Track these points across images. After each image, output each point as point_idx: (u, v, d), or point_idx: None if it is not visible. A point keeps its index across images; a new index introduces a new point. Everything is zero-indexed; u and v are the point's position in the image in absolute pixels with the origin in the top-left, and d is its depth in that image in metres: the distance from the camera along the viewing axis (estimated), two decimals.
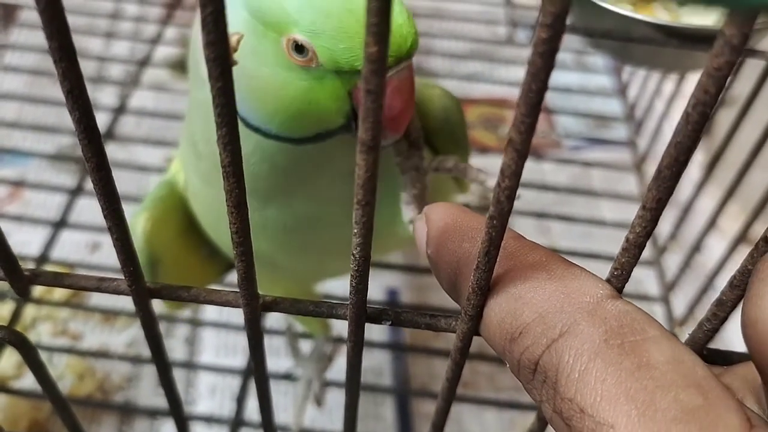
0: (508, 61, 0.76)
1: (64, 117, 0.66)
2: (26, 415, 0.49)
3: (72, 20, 0.13)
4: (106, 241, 0.54)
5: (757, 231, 0.40)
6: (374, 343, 0.53)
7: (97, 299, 0.55)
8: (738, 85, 0.48)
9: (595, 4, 0.44)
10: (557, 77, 0.65)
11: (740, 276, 0.16)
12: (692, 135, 0.13)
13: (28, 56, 0.73)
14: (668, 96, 0.62)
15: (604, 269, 0.17)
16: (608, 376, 0.14)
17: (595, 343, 0.15)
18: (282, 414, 0.49)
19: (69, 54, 0.14)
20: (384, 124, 0.27)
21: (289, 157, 0.29)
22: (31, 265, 0.50)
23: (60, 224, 0.58)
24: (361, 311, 0.18)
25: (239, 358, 0.53)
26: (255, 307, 0.20)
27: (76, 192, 0.61)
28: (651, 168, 0.65)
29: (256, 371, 0.23)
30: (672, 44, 0.42)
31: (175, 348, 0.53)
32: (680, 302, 0.55)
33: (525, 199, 0.61)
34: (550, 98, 0.73)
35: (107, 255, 0.57)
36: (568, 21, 0.12)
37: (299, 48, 0.25)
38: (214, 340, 0.54)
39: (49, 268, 0.55)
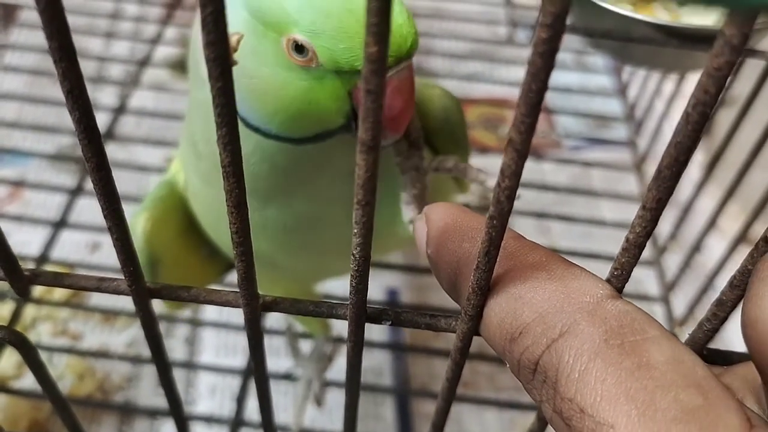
0: (508, 61, 0.76)
1: (64, 117, 0.66)
2: (26, 415, 0.49)
3: (72, 20, 0.13)
4: (106, 241, 0.54)
5: (757, 231, 0.40)
6: (374, 343, 0.53)
7: (97, 299, 0.55)
8: (738, 85, 0.48)
9: (595, 4, 0.44)
10: (557, 77, 0.65)
11: (740, 276, 0.16)
12: (692, 135, 0.13)
13: (28, 56, 0.73)
14: (668, 96, 0.62)
15: (604, 269, 0.17)
16: (608, 376, 0.14)
17: (595, 343, 0.15)
18: (282, 414, 0.49)
19: (69, 54, 0.14)
20: (384, 124, 0.27)
21: (289, 157, 0.29)
22: (31, 265, 0.50)
23: (60, 224, 0.58)
24: (361, 311, 0.18)
25: (239, 358, 0.53)
26: (255, 307, 0.20)
27: (76, 192, 0.61)
28: (651, 168, 0.65)
29: (256, 371, 0.23)
30: (672, 44, 0.42)
31: (175, 348, 0.53)
32: (680, 302, 0.55)
33: (525, 199, 0.61)
34: (550, 98, 0.73)
35: (107, 255, 0.57)
36: (568, 21, 0.12)
37: (299, 48, 0.25)
38: (214, 340, 0.54)
39: (49, 268, 0.55)
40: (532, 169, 0.66)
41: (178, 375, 0.51)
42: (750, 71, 0.44)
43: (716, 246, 0.55)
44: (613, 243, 0.57)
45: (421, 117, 0.32)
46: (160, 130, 0.66)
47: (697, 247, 0.51)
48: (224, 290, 0.20)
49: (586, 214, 0.62)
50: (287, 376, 0.50)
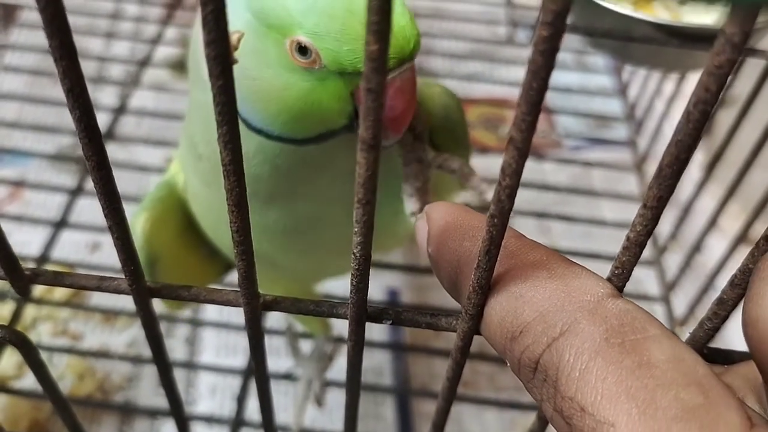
0: (508, 61, 0.76)
1: (64, 117, 0.66)
2: (27, 415, 0.49)
3: (72, 20, 0.13)
4: (107, 241, 0.54)
5: (758, 230, 0.40)
6: (374, 343, 0.53)
7: (98, 299, 0.55)
8: (738, 84, 0.48)
9: (596, 3, 0.44)
10: (557, 77, 0.65)
11: (741, 275, 0.16)
12: (693, 133, 0.13)
13: (29, 56, 0.73)
14: (668, 96, 0.62)
15: (604, 269, 0.17)
16: (609, 375, 0.14)
17: (596, 341, 0.15)
18: (282, 414, 0.49)
19: (70, 52, 0.14)
20: (385, 124, 0.27)
21: (291, 158, 0.29)
22: (31, 265, 0.50)
23: (60, 224, 0.58)
24: (361, 310, 0.18)
25: (240, 358, 0.53)
26: (255, 307, 0.20)
27: (76, 192, 0.61)
28: (651, 168, 0.65)
29: (257, 371, 0.23)
30: (672, 44, 0.42)
31: (176, 348, 0.53)
32: (681, 302, 0.55)
33: (525, 199, 0.61)
34: (551, 98, 0.73)
35: (107, 255, 0.57)
36: (569, 20, 0.12)
37: (302, 50, 0.25)
38: (215, 340, 0.54)
39: (49, 268, 0.55)
40: (532, 169, 0.66)
41: (179, 375, 0.51)
42: (750, 71, 0.44)
43: (717, 246, 0.55)
44: (614, 243, 0.57)
45: (425, 119, 0.32)
46: (161, 130, 0.66)
47: (697, 247, 0.51)
48: (225, 289, 0.20)
49: (586, 214, 0.62)
50: (288, 376, 0.50)
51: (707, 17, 0.43)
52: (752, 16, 0.12)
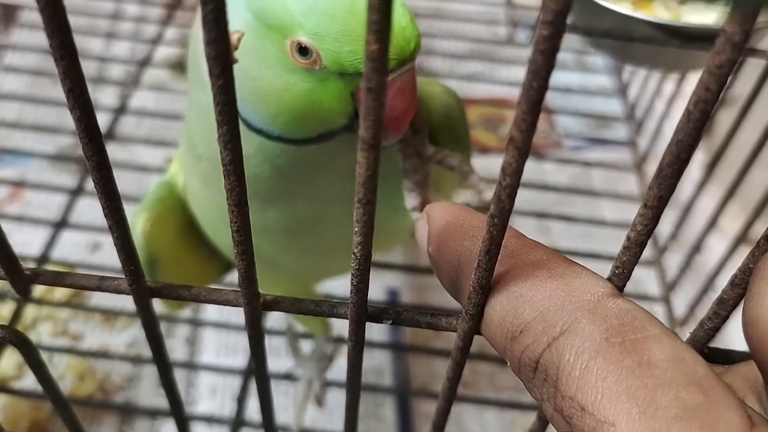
0: (508, 62, 0.76)
1: (64, 117, 0.66)
2: (27, 416, 0.49)
3: (73, 21, 0.13)
4: (107, 241, 0.54)
5: (758, 231, 0.40)
6: (375, 343, 0.53)
7: (98, 299, 0.55)
8: (739, 84, 0.48)
9: (596, 3, 0.44)
10: (557, 77, 0.65)
11: (741, 274, 0.16)
12: (693, 132, 0.13)
13: (29, 56, 0.73)
14: (669, 96, 0.62)
15: (604, 269, 0.17)
16: (609, 374, 0.14)
17: (596, 341, 0.15)
18: (282, 414, 0.49)
19: (70, 52, 0.14)
20: (386, 124, 0.27)
21: (292, 158, 0.29)
22: (31, 266, 0.50)
23: (60, 224, 0.58)
24: (362, 310, 0.18)
25: (240, 358, 0.53)
26: (256, 306, 0.20)
27: (76, 192, 0.61)
28: (651, 168, 0.65)
29: (257, 371, 0.23)
30: (673, 44, 0.42)
31: (176, 348, 0.53)
32: (681, 302, 0.55)
33: (526, 199, 0.61)
34: (551, 98, 0.73)
35: (108, 255, 0.57)
36: (569, 20, 0.12)
37: (303, 50, 0.25)
38: (215, 340, 0.54)
39: (49, 268, 0.55)
40: (532, 169, 0.66)
41: (179, 375, 0.51)
42: (751, 71, 0.44)
43: (717, 246, 0.55)
44: (614, 243, 0.57)
45: (425, 115, 0.32)
46: (161, 131, 0.66)
47: (697, 247, 0.51)
48: (225, 289, 0.20)
49: (586, 214, 0.62)
50: (288, 376, 0.50)
51: (707, 17, 0.43)
52: (752, 15, 0.12)
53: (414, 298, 0.58)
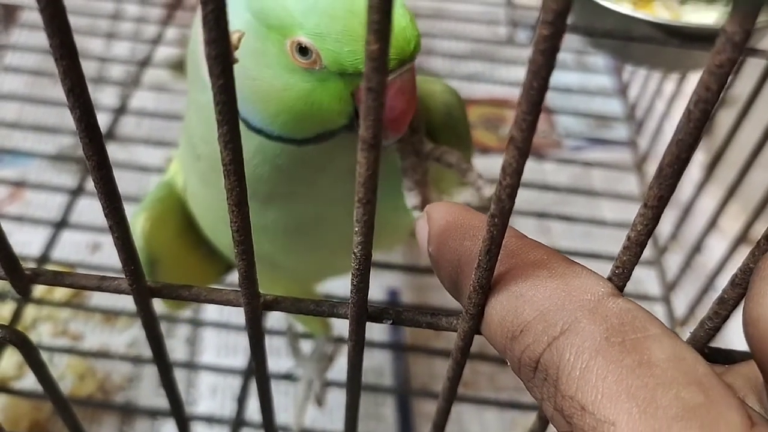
0: (508, 62, 0.76)
1: (64, 117, 0.66)
2: (27, 416, 0.49)
3: (73, 21, 0.13)
4: (107, 241, 0.54)
5: (758, 231, 0.40)
6: (375, 343, 0.53)
7: (98, 299, 0.55)
8: (739, 84, 0.48)
9: (596, 2, 0.44)
10: (558, 77, 0.65)
11: (742, 274, 0.16)
12: (694, 132, 0.13)
13: (29, 57, 0.73)
14: (669, 96, 0.62)
15: (604, 269, 0.17)
16: (609, 374, 0.14)
17: (596, 340, 0.15)
18: (283, 414, 0.49)
19: (70, 51, 0.14)
20: (385, 124, 0.27)
21: (291, 158, 0.29)
22: (31, 266, 0.50)
23: (61, 224, 0.58)
24: (362, 310, 0.18)
25: (240, 358, 0.53)
26: (256, 306, 0.20)
27: (76, 192, 0.61)
28: (652, 168, 0.65)
29: (257, 371, 0.23)
30: (673, 43, 0.42)
31: (176, 348, 0.53)
32: (681, 302, 0.55)
33: (526, 199, 0.61)
34: (551, 98, 0.73)
35: (108, 255, 0.57)
36: (569, 20, 0.12)
37: (303, 50, 0.25)
38: (215, 340, 0.54)
39: (49, 268, 0.55)
40: (532, 169, 0.66)
41: (179, 375, 0.51)
42: (751, 71, 0.44)
43: (717, 246, 0.55)
44: (614, 243, 0.57)
45: (424, 113, 0.32)
46: (161, 131, 0.66)
47: (697, 247, 0.51)
48: (225, 289, 0.20)
49: (586, 214, 0.62)
50: (288, 376, 0.50)
51: (708, 17, 0.43)
52: (753, 15, 0.12)
53: (414, 298, 0.58)
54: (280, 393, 0.50)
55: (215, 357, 0.53)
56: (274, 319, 0.53)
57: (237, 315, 0.51)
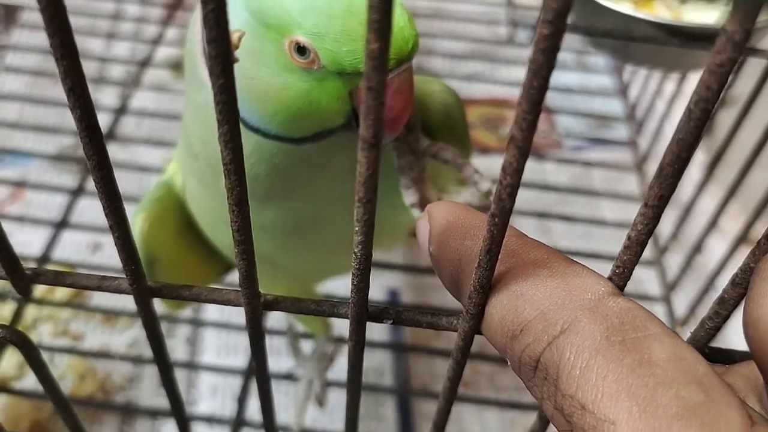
0: (508, 62, 0.76)
1: (65, 117, 0.66)
2: (27, 416, 0.49)
3: (73, 21, 0.13)
4: (107, 241, 0.54)
5: (758, 231, 0.40)
6: (375, 343, 0.53)
7: (98, 299, 0.55)
8: (739, 84, 0.48)
9: (596, 2, 0.44)
10: (558, 77, 0.65)
11: (742, 274, 0.16)
12: (694, 132, 0.13)
13: (30, 57, 0.73)
14: (669, 96, 0.62)
15: (605, 269, 0.17)
16: (609, 373, 0.14)
17: (597, 339, 0.15)
18: (283, 414, 0.49)
19: (71, 51, 0.14)
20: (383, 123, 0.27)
21: (289, 157, 0.29)
22: (32, 266, 0.50)
23: (61, 225, 0.58)
24: (362, 310, 0.18)
25: (240, 358, 0.53)
26: (256, 306, 0.20)
27: (77, 192, 0.61)
28: (652, 168, 0.65)
29: (258, 371, 0.23)
30: (673, 43, 0.42)
31: (177, 348, 0.53)
32: (681, 302, 0.55)
33: (526, 198, 0.61)
34: (551, 98, 0.73)
35: (108, 255, 0.57)
36: (569, 20, 0.12)
37: (301, 50, 0.25)
38: (216, 340, 0.54)
39: (50, 268, 0.55)
40: (533, 169, 0.66)
41: (180, 375, 0.51)
42: (751, 70, 0.44)
43: (717, 246, 0.55)
44: (614, 243, 0.57)
45: (422, 112, 0.32)
46: (161, 131, 0.66)
47: (698, 247, 0.51)
48: (225, 289, 0.20)
49: (587, 214, 0.62)
50: (288, 376, 0.50)
51: (708, 16, 0.43)
52: (753, 14, 0.12)
53: (414, 298, 0.58)
54: (280, 393, 0.50)
55: (216, 357, 0.53)
56: (275, 319, 0.53)
57: (237, 315, 0.51)
